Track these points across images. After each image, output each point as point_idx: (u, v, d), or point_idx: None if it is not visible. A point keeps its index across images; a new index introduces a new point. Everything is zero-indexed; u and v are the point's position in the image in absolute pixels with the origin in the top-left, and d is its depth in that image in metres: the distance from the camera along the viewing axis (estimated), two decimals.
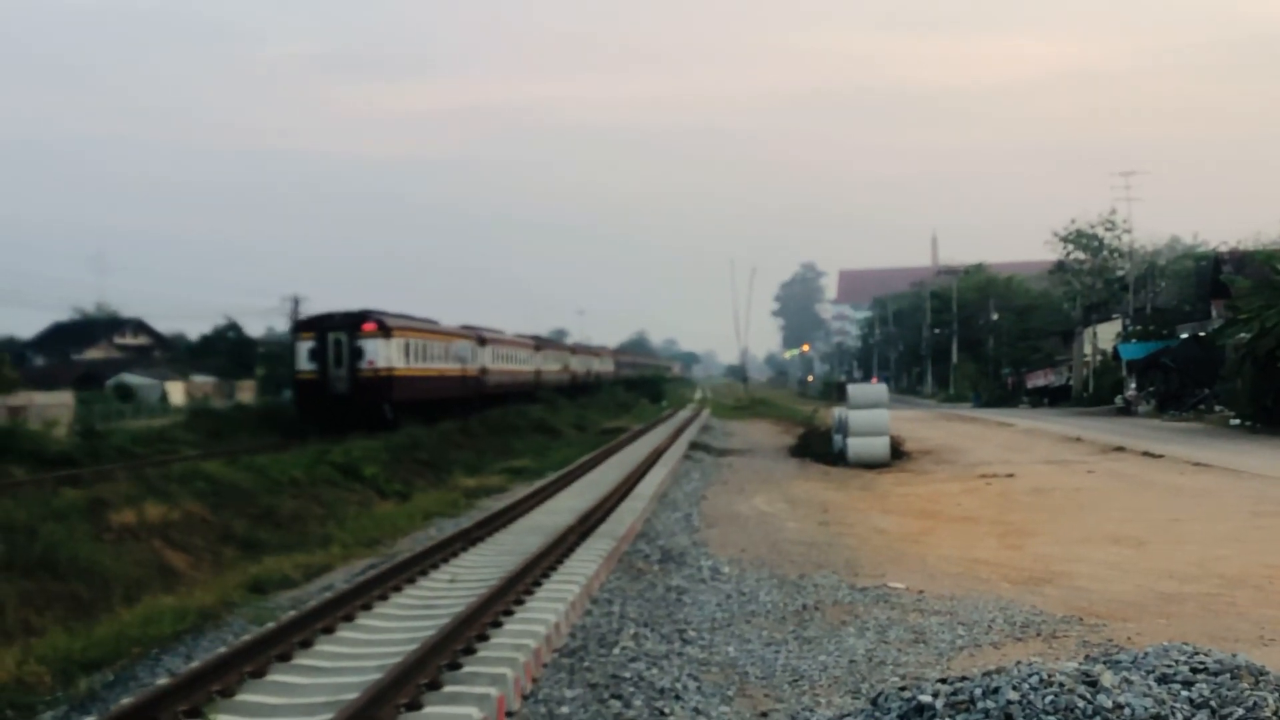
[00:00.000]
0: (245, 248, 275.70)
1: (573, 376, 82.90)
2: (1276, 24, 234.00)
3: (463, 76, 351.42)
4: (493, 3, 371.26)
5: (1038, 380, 77.87)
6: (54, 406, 44.62)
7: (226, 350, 79.81)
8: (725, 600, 12.61)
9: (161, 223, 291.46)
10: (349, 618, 11.39)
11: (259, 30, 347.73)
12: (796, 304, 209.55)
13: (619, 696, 8.90)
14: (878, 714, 6.32)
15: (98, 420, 42.01)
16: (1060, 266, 79.93)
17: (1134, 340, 59.16)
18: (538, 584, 12.82)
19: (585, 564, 14.12)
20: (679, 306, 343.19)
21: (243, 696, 8.77)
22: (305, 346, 41.42)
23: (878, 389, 32.79)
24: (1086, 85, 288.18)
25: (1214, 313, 53.04)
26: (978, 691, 6.04)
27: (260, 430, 41.60)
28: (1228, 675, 6.20)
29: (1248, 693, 6.01)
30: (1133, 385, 54.71)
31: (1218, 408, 44.52)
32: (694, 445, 36.57)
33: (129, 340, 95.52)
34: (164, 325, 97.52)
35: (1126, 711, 5.80)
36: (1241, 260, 52.05)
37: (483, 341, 56.42)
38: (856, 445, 29.33)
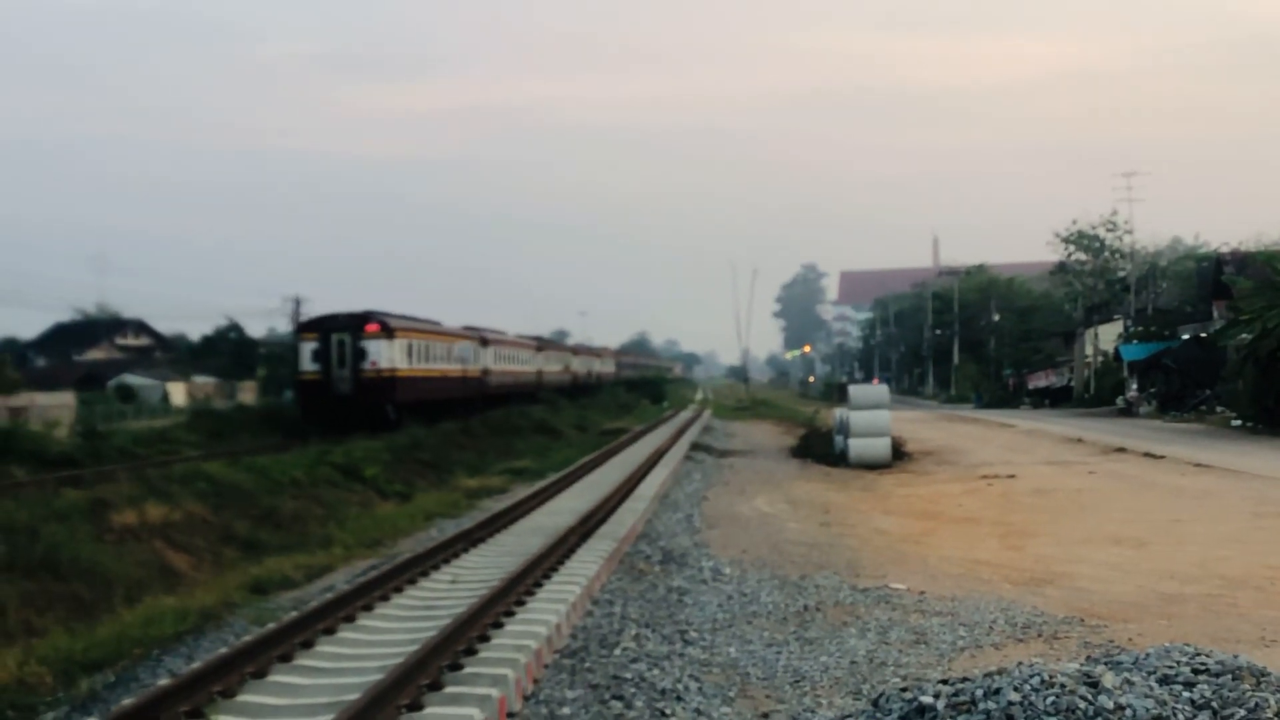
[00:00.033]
0: (246, 248, 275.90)
1: (574, 377, 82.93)
2: (1277, 24, 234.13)
3: (463, 76, 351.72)
4: (493, 3, 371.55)
5: (1039, 381, 77.90)
6: (55, 407, 44.62)
7: (228, 351, 79.80)
8: (726, 601, 12.61)
9: (162, 223, 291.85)
10: (350, 618, 11.39)
11: (259, 30, 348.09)
12: (797, 305, 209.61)
13: (620, 697, 8.90)
14: (879, 715, 6.31)
15: (99, 421, 42.00)
16: (1062, 267, 79.93)
17: (1135, 341, 59.16)
18: (539, 585, 12.82)
19: (586, 565, 14.12)
20: (680, 307, 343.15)
21: (244, 697, 8.77)
22: (308, 347, 41.54)
23: (879, 390, 32.79)
24: (1087, 85, 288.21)
25: (1215, 313, 53.04)
26: (979, 692, 6.04)
27: (261, 431, 41.63)
28: (1229, 676, 6.19)
29: (1249, 694, 6.01)
30: (1134, 386, 54.71)
31: (1219, 409, 44.51)
32: (695, 446, 36.57)
33: (130, 341, 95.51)
34: (165, 326, 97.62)
35: (1128, 712, 5.79)
36: (1243, 261, 52.06)
37: (485, 342, 56.47)
38: (858, 446, 29.32)
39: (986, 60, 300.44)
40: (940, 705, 6.04)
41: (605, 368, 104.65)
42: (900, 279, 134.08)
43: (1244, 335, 40.25)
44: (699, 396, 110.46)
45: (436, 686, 8.75)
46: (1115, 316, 69.26)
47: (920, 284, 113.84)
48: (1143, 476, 24.82)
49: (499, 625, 10.76)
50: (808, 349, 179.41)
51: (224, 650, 9.95)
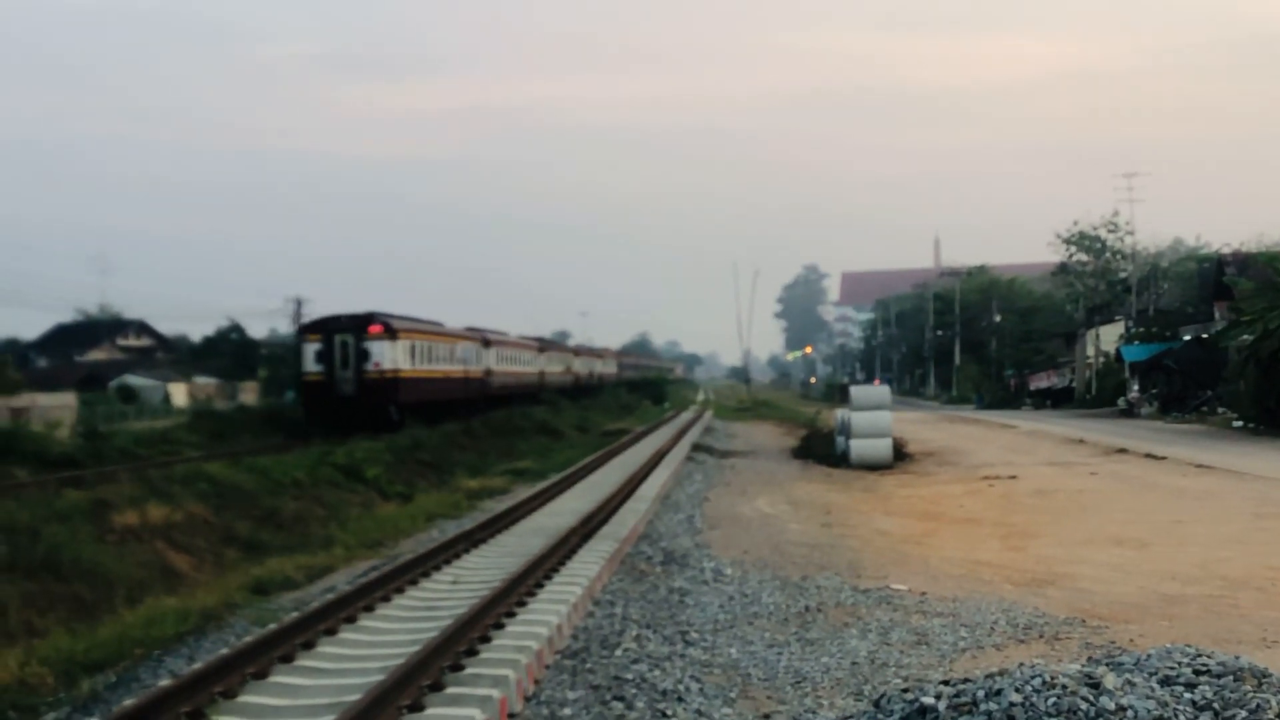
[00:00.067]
0: (247, 248, 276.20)
1: (576, 378, 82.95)
2: (1277, 24, 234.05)
3: (463, 76, 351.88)
4: (493, 3, 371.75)
5: (1040, 382, 77.91)
6: (57, 408, 44.63)
7: (229, 352, 79.87)
8: (728, 602, 12.61)
9: (163, 223, 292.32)
10: (351, 619, 11.40)
11: (259, 30, 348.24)
12: (799, 306, 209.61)
13: (621, 698, 8.90)
14: (880, 716, 6.31)
15: (100, 422, 42.03)
16: (1063, 268, 79.97)
17: (1137, 342, 59.14)
18: (540, 585, 12.82)
19: (588, 566, 14.12)
20: (681, 308, 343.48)
21: (245, 698, 8.77)
22: (312, 348, 41.69)
23: (880, 391, 32.79)
24: (1088, 85, 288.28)
25: (1217, 314, 53.03)
26: (980, 693, 6.04)
27: (263, 432, 41.69)
28: (1231, 678, 6.19)
29: (1251, 695, 6.01)
30: (1135, 387, 54.68)
31: (1220, 410, 44.48)
32: (696, 447, 36.56)
33: (132, 342, 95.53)
34: (167, 326, 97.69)
35: (1129, 714, 5.79)
36: (1244, 262, 52.03)
37: (487, 343, 56.53)
38: (859, 447, 29.32)
39: (987, 60, 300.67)
40: (942, 706, 6.04)
41: (607, 369, 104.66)
42: (901, 280, 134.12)
43: (1245, 336, 40.23)
44: (700, 397, 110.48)
45: (438, 687, 8.75)
46: (1116, 317, 69.25)
47: (921, 285, 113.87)
48: (1144, 477, 24.81)
49: (500, 626, 10.76)
50: (809, 350, 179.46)
51: (225, 651, 9.95)
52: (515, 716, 8.64)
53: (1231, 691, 6.04)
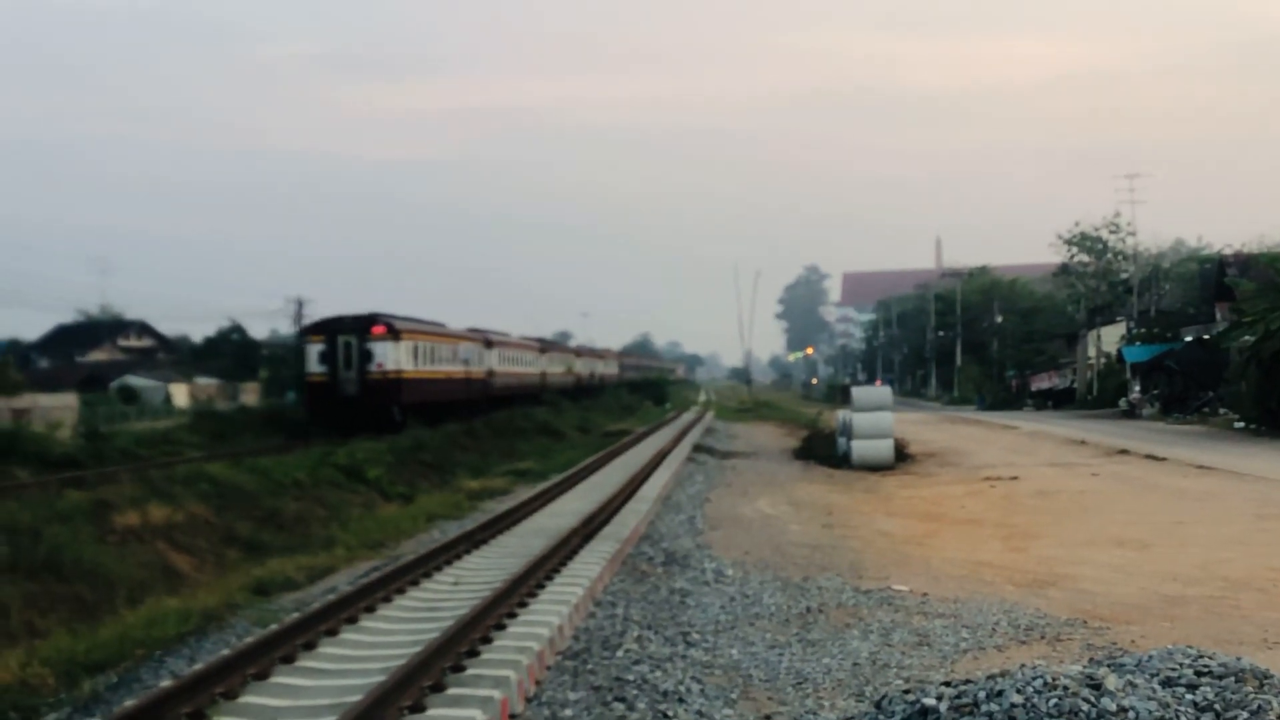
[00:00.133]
0: (248, 249, 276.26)
1: (577, 379, 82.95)
2: (1278, 25, 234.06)
3: (463, 77, 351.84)
4: (493, 3, 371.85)
5: (1042, 383, 77.93)
6: (58, 408, 44.64)
7: (230, 352, 79.92)
8: (729, 603, 12.61)
9: (164, 223, 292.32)
10: (352, 620, 11.40)
11: (259, 30, 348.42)
12: (800, 306, 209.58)
13: (622, 699, 8.89)
14: (881, 717, 6.31)
15: (102, 422, 42.05)
16: (1064, 269, 79.96)
17: (1138, 343, 59.14)
18: (541, 586, 12.82)
19: (589, 566, 14.12)
20: (682, 309, 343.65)
21: (246, 699, 8.77)
22: (315, 349, 41.89)
23: (882, 392, 32.80)
24: (1090, 86, 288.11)
25: (1218, 315, 53.03)
26: (982, 695, 6.04)
27: (264, 432, 41.73)
28: (1232, 679, 6.19)
29: (1252, 696, 6.00)
30: (1137, 388, 54.68)
31: (1222, 411, 44.48)
32: (698, 448, 36.57)
33: (133, 342, 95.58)
34: (168, 327, 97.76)
35: (1130, 715, 5.79)
36: (1246, 263, 52.03)
37: (489, 344, 56.58)
38: (860, 448, 29.31)
39: (989, 61, 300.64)
40: (943, 707, 6.04)
41: (608, 369, 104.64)
42: (903, 280, 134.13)
43: (1247, 337, 40.22)
44: (701, 398, 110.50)
45: (439, 688, 8.75)
46: (1118, 318, 69.25)
47: (923, 285, 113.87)
48: (1145, 478, 24.80)
49: (501, 627, 10.76)
50: (810, 351, 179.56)
51: (226, 651, 9.95)
52: (516, 717, 8.64)
53: (1233, 693, 6.04)
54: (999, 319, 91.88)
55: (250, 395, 66.71)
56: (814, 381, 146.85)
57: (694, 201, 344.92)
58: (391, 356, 41.57)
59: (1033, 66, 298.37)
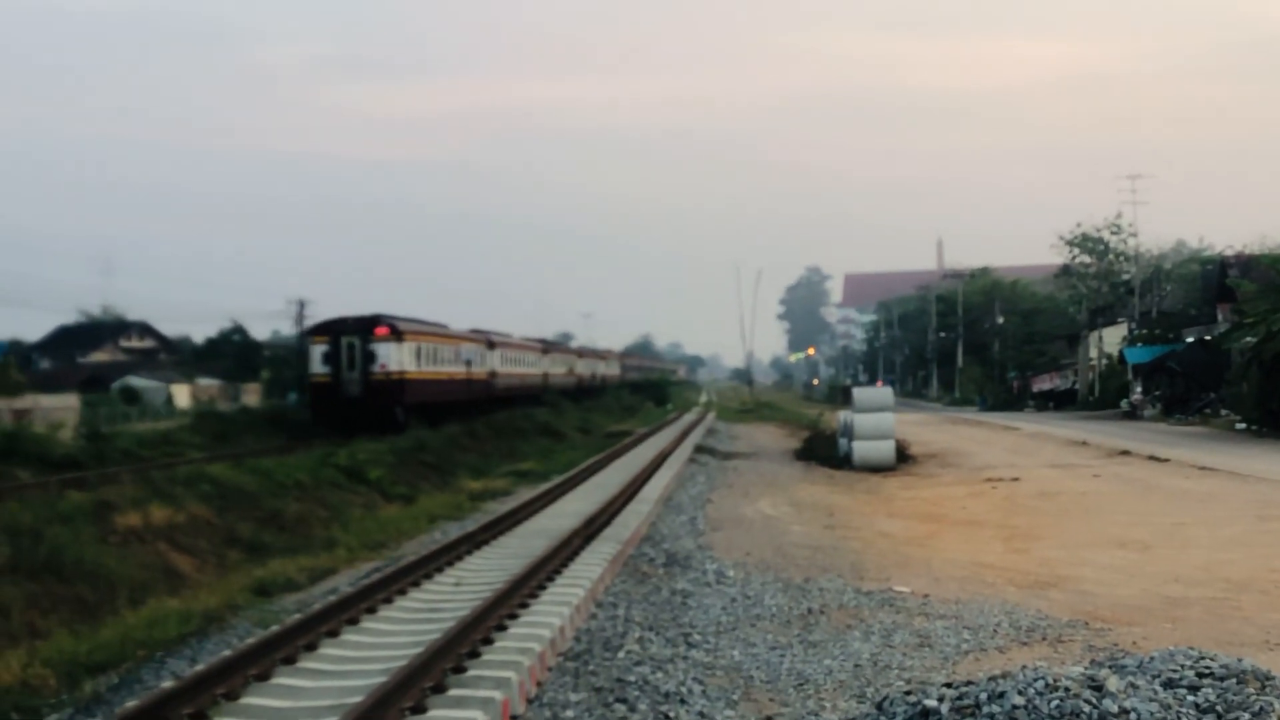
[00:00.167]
0: (249, 250, 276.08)
1: (579, 380, 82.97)
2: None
3: (464, 79, 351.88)
4: (493, 4, 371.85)
5: (1043, 384, 77.94)
6: (59, 409, 44.62)
7: (232, 353, 79.97)
8: (730, 604, 12.60)
9: (164, 225, 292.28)
10: (353, 621, 11.39)
11: (259, 32, 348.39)
12: (802, 307, 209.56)
13: (624, 700, 8.89)
14: (883, 718, 6.31)
15: (103, 423, 42.06)
16: (1066, 270, 79.89)
17: (1140, 344, 59.12)
18: (542, 587, 12.81)
19: (590, 567, 14.11)
20: (684, 310, 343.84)
21: (247, 700, 8.77)
22: (319, 350, 42.11)
23: (883, 392, 32.79)
24: (1091, 87, 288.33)
25: (1220, 316, 53.01)
26: (983, 696, 6.04)
27: (266, 433, 41.78)
28: (1234, 680, 6.18)
29: (1254, 698, 6.00)
30: (1138, 389, 54.66)
31: (1224, 412, 44.46)
32: (699, 449, 36.56)
33: (134, 343, 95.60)
34: (169, 328, 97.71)
35: (1132, 716, 5.79)
36: (1247, 264, 51.98)
37: (492, 345, 56.63)
38: (862, 449, 29.30)
39: (990, 62, 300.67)
40: (944, 709, 6.04)
41: (610, 370, 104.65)
42: (904, 281, 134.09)
43: (1248, 338, 40.20)
44: (703, 399, 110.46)
45: (440, 689, 8.75)
46: (1120, 319, 69.20)
47: (924, 286, 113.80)
48: (1147, 480, 24.79)
49: (502, 628, 10.75)
50: (812, 351, 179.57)
51: (227, 652, 9.95)
52: (518, 718, 8.63)
53: (1235, 694, 6.04)
54: (1000, 320, 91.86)
55: (251, 396, 66.73)
56: (815, 382, 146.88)
57: (695, 202, 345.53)
58: (395, 357, 41.71)
59: (1034, 67, 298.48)
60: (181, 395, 67.86)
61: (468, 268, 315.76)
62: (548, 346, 76.06)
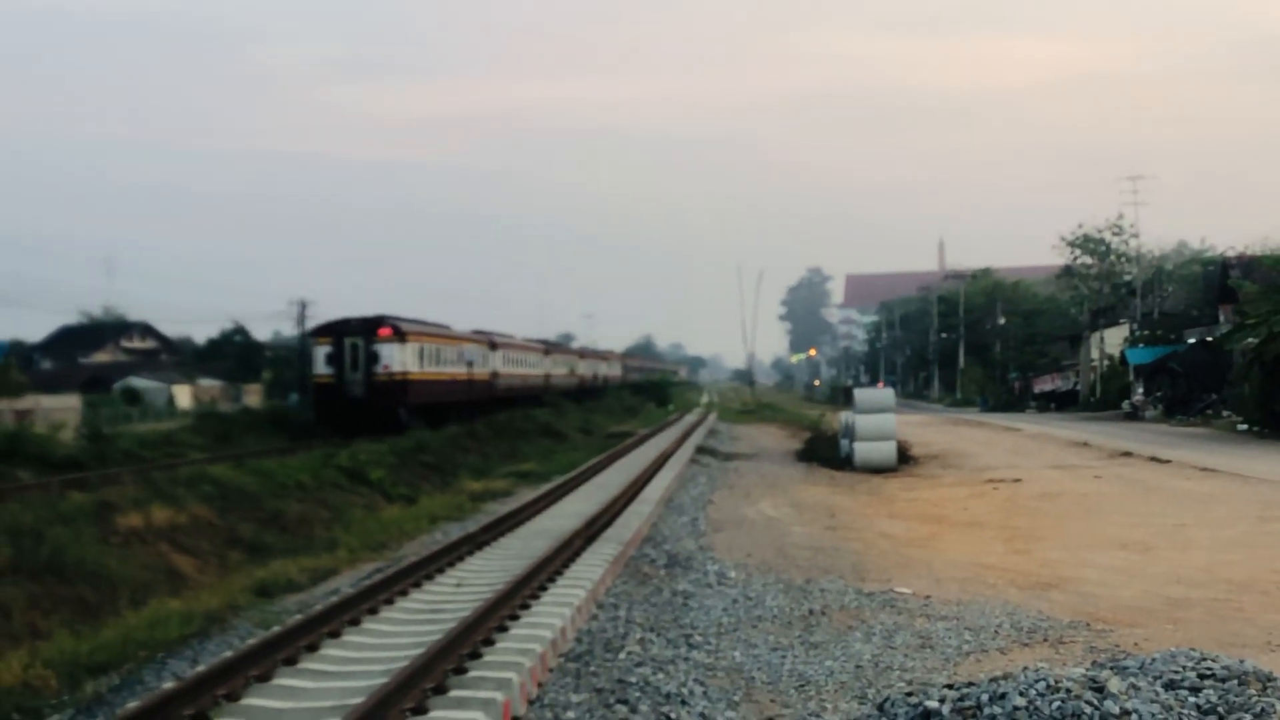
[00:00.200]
0: (251, 251, 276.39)
1: (580, 380, 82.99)
2: None
3: (466, 80, 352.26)
4: (493, 4, 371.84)
5: (1045, 385, 77.94)
6: (61, 410, 44.65)
7: (233, 354, 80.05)
8: (731, 605, 12.60)
9: (167, 226, 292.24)
10: (355, 622, 11.39)
11: (259, 32, 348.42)
12: (803, 308, 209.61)
13: (625, 701, 8.88)
14: None
15: (105, 424, 42.05)
16: (1067, 271, 79.88)
17: (1141, 345, 59.11)
18: (544, 588, 12.81)
19: (591, 568, 14.11)
20: (685, 310, 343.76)
21: (248, 701, 8.77)
22: (322, 351, 42.32)
23: (884, 393, 32.78)
24: (1093, 88, 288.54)
25: (1222, 317, 53.00)
26: (985, 697, 6.04)
27: (267, 434, 41.81)
28: (1235, 681, 6.18)
29: (1255, 699, 6.00)
30: (1140, 390, 54.66)
31: (1225, 413, 44.44)
32: (700, 449, 36.56)
33: (136, 344, 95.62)
34: (171, 329, 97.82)
35: (1133, 718, 5.78)
36: (1249, 265, 51.96)
37: (494, 346, 56.68)
38: (863, 450, 29.29)
39: (992, 63, 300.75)
40: (946, 710, 6.04)
41: (611, 371, 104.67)
42: (906, 282, 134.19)
43: (1250, 339, 40.19)
44: (704, 400, 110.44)
45: (441, 690, 8.74)
46: (1121, 320, 69.20)
47: (926, 287, 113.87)
48: (1149, 481, 24.78)
49: (504, 629, 10.75)
50: (813, 352, 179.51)
51: (228, 653, 9.95)
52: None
53: (1236, 695, 6.03)
54: (1002, 321, 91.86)
55: (253, 397, 66.77)
56: (816, 383, 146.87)
57: (696, 203, 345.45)
58: (398, 358, 41.85)
59: (1035, 68, 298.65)
60: (183, 396, 67.89)
61: (469, 268, 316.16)
62: (549, 347, 76.08)
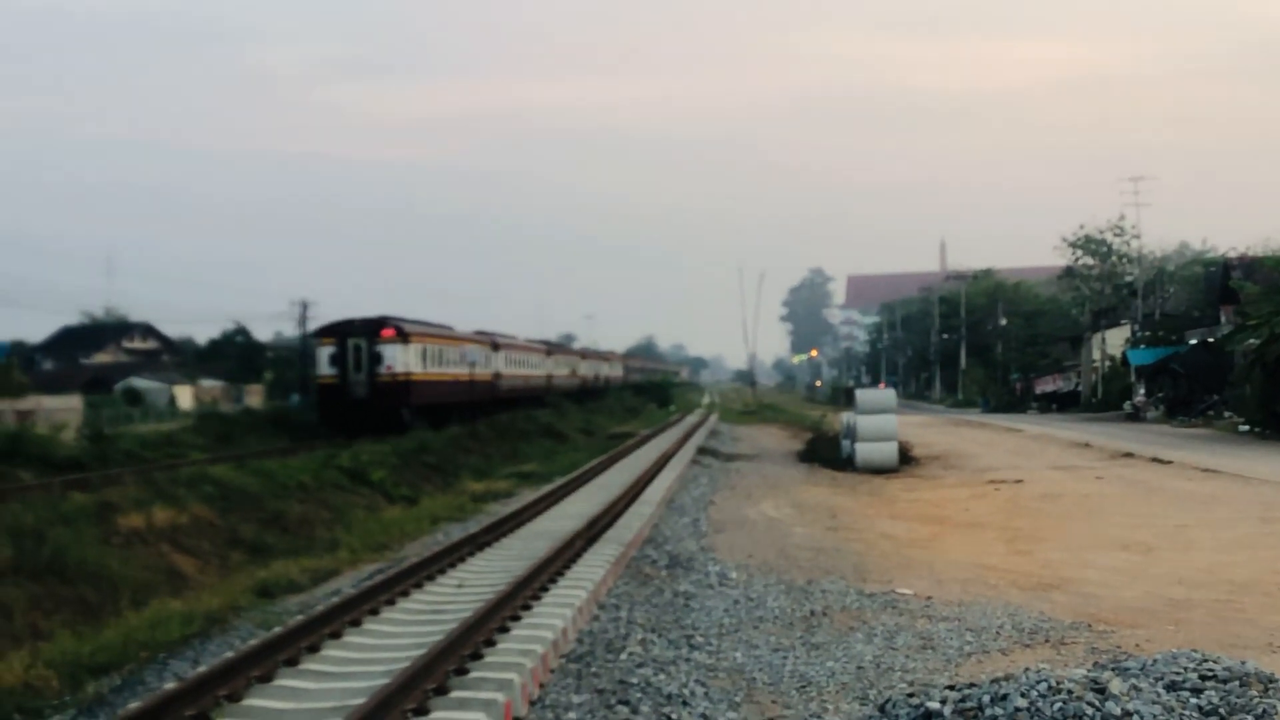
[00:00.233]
0: (251, 252, 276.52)
1: (582, 381, 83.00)
2: None
3: (468, 81, 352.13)
4: (493, 5, 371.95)
5: (1046, 386, 77.93)
6: (62, 410, 44.68)
7: (235, 354, 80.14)
8: (733, 606, 12.60)
9: (168, 226, 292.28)
10: (356, 623, 11.39)
11: (259, 32, 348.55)
12: (805, 309, 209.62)
13: (626, 702, 8.88)
14: None
15: (106, 424, 42.08)
16: (1069, 272, 79.89)
17: (1143, 346, 59.12)
18: (545, 589, 12.81)
19: (593, 569, 14.11)
20: (687, 311, 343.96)
21: (250, 701, 8.77)
22: (326, 352, 42.47)
23: (886, 394, 32.78)
24: (1094, 89, 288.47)
25: (1223, 318, 52.98)
26: (986, 698, 6.03)
27: (268, 434, 41.83)
28: (1237, 682, 6.18)
29: (1257, 700, 5.99)
30: (1141, 391, 54.66)
31: (1227, 414, 44.43)
32: (702, 450, 36.55)
33: (137, 344, 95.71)
34: (172, 329, 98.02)
35: (1135, 719, 5.78)
36: (1251, 266, 51.95)
37: (496, 347, 56.75)
38: (865, 450, 29.29)
39: (992, 63, 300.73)
40: (947, 711, 6.03)
41: (612, 371, 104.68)
42: (907, 283, 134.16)
43: (1251, 340, 40.20)
44: (706, 401, 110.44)
45: (443, 691, 8.74)
46: (1123, 321, 69.20)
47: (927, 288, 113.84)
48: (1150, 482, 24.78)
49: (505, 630, 10.75)
50: (814, 353, 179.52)
51: (230, 654, 9.96)
52: None
53: (1238, 697, 6.03)
54: (1003, 322, 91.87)
55: (254, 397, 66.82)
56: (818, 384, 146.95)
57: (696, 203, 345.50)
58: (401, 359, 41.96)
59: (1035, 68, 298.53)
60: (184, 396, 67.95)
61: (470, 269, 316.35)
62: (551, 348, 76.12)
